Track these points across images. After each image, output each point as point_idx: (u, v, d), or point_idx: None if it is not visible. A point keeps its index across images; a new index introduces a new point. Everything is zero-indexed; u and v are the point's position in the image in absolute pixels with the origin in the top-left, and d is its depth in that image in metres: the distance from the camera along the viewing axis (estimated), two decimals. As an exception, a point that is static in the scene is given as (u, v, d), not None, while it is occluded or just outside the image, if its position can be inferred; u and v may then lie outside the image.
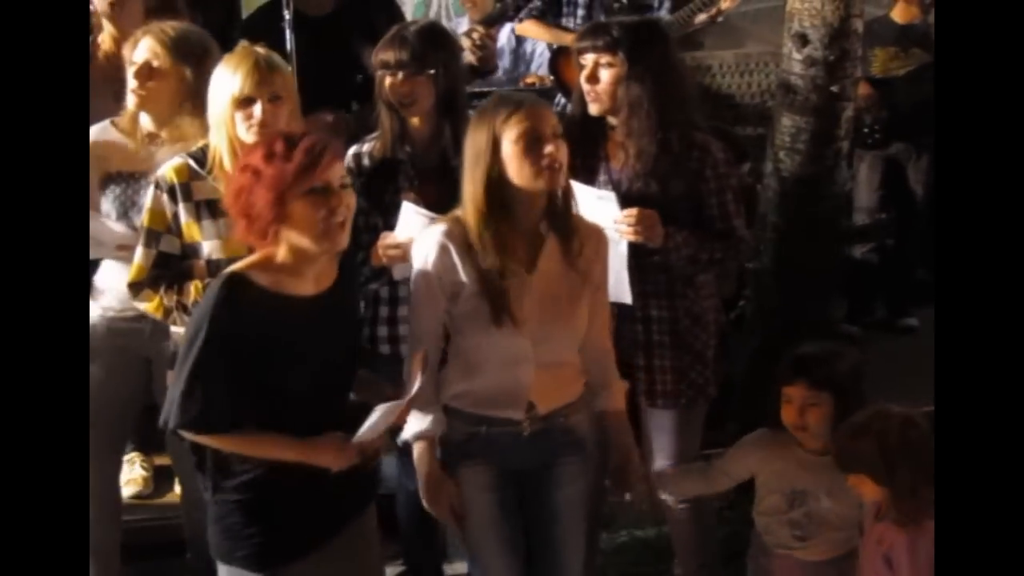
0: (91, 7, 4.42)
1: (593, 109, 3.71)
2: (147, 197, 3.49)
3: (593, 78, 3.68)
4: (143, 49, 3.70)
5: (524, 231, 3.24)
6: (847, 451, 3.25)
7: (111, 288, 3.81)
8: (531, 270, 3.23)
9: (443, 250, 3.22)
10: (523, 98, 3.27)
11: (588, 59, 3.69)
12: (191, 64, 3.68)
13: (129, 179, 3.76)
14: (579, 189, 3.47)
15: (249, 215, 2.90)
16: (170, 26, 3.76)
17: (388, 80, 3.75)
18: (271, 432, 2.94)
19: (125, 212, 3.74)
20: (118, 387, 3.86)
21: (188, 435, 2.95)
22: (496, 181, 3.15)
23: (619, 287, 3.60)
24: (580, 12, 5.74)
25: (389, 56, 3.74)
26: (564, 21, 5.59)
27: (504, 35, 6.38)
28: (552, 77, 5.73)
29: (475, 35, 4.82)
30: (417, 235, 3.41)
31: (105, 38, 4.42)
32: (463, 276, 3.21)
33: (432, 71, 3.75)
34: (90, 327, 3.78)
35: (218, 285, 2.92)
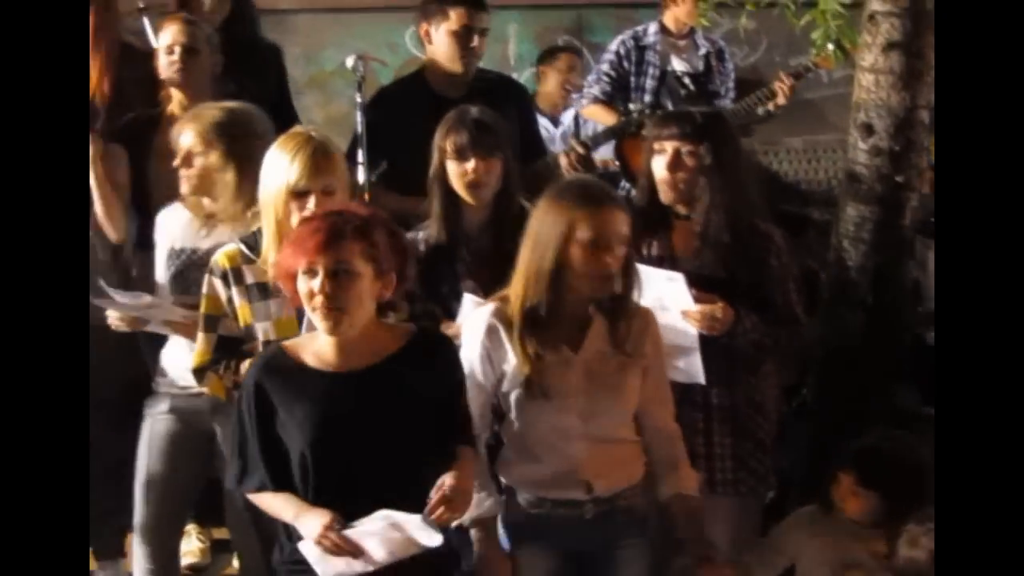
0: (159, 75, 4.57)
1: (668, 197, 3.68)
2: (203, 283, 3.55)
3: (675, 166, 3.64)
4: (186, 136, 3.78)
5: (572, 312, 3.26)
6: (905, 560, 3.25)
7: (172, 367, 3.89)
8: (576, 349, 3.25)
9: (491, 330, 3.26)
10: (603, 194, 3.24)
11: (668, 146, 3.65)
12: (233, 147, 3.75)
13: (192, 255, 3.85)
14: (647, 271, 3.49)
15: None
16: (209, 112, 3.81)
17: (455, 165, 3.79)
18: (292, 496, 3.03)
19: (185, 288, 3.82)
20: (181, 464, 3.91)
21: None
22: (559, 270, 3.17)
23: (691, 367, 3.60)
24: (647, 97, 5.78)
25: (461, 140, 3.77)
26: (631, 106, 5.62)
27: (567, 117, 6.43)
28: (617, 162, 5.75)
29: (572, 155, 4.81)
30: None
31: (175, 107, 4.52)
32: (510, 355, 3.23)
33: (501, 154, 3.79)
34: (154, 405, 3.91)
35: (258, 359, 3.12)
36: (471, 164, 3.78)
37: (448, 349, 3.21)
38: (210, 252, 3.72)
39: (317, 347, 3.07)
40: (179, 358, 3.84)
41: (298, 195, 3.38)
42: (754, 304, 3.64)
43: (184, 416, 3.88)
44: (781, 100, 5.72)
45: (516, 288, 3.23)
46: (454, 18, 4.67)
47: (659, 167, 3.67)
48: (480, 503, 3.28)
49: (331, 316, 2.96)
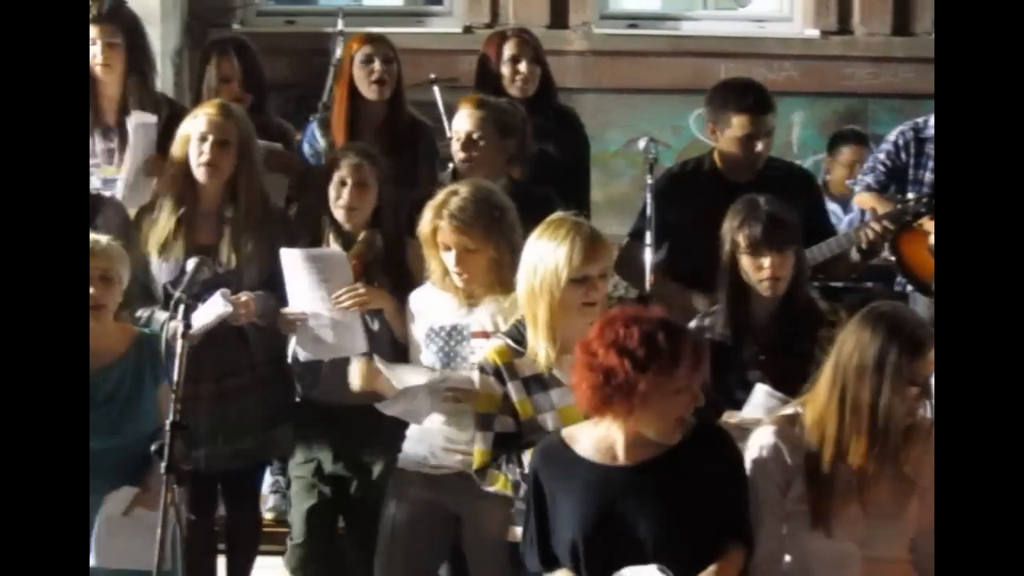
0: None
1: None
2: (474, 382, 3.64)
3: None
4: (450, 232, 3.82)
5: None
6: None
7: (425, 440, 3.92)
8: (861, 477, 3.21)
9: (775, 450, 3.24)
10: (926, 336, 3.16)
11: None
12: (494, 234, 3.82)
13: (452, 331, 3.92)
14: None
15: (579, 391, 3.09)
16: (458, 207, 3.82)
17: (749, 259, 3.77)
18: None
19: (447, 363, 3.90)
20: (421, 537, 3.91)
21: None
22: (877, 406, 3.14)
23: None
24: (925, 189, 5.57)
25: (755, 234, 3.76)
26: (909, 195, 5.46)
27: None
28: (893, 257, 5.57)
29: (870, 230, 4.66)
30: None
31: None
32: (793, 478, 3.22)
33: (794, 246, 3.78)
34: (402, 483, 3.95)
35: (537, 448, 3.22)
36: (767, 260, 3.75)
37: (729, 446, 3.25)
38: (470, 327, 3.85)
39: (597, 438, 3.14)
40: (431, 430, 3.88)
41: (576, 281, 3.43)
42: None
43: (431, 493, 3.89)
44: None
45: (823, 413, 3.20)
46: (736, 125, 4.56)
47: None
48: None
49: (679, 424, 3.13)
